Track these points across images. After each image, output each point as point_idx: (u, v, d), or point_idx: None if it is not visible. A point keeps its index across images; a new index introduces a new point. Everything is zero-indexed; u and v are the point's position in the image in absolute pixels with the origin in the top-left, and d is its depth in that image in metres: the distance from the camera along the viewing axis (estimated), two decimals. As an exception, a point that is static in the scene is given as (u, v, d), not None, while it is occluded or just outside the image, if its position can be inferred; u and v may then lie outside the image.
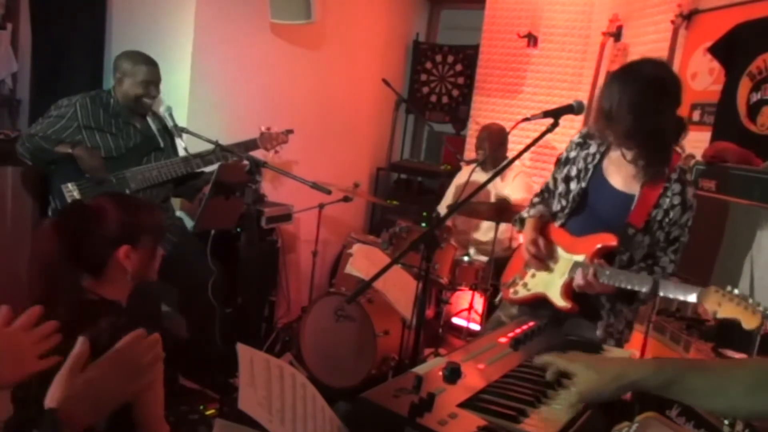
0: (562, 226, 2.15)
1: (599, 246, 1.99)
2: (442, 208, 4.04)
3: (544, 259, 2.12)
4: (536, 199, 2.30)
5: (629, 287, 1.88)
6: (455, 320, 4.20)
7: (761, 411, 1.04)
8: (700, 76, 3.03)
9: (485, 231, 3.88)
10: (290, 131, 3.41)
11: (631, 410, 1.56)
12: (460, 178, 4.10)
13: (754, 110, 2.65)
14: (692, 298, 1.72)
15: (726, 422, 1.84)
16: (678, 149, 2.04)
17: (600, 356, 1.58)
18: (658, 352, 2.59)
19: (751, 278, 2.63)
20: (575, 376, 1.17)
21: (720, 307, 1.64)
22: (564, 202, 2.16)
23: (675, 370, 1.08)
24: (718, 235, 2.81)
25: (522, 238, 2.27)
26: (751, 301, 1.61)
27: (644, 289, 1.84)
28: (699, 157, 2.70)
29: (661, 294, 1.86)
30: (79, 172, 2.73)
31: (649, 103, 1.87)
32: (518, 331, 1.70)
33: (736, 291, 1.64)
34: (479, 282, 3.58)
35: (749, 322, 1.59)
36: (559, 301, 2.05)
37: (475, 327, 3.76)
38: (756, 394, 1.02)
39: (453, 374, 1.26)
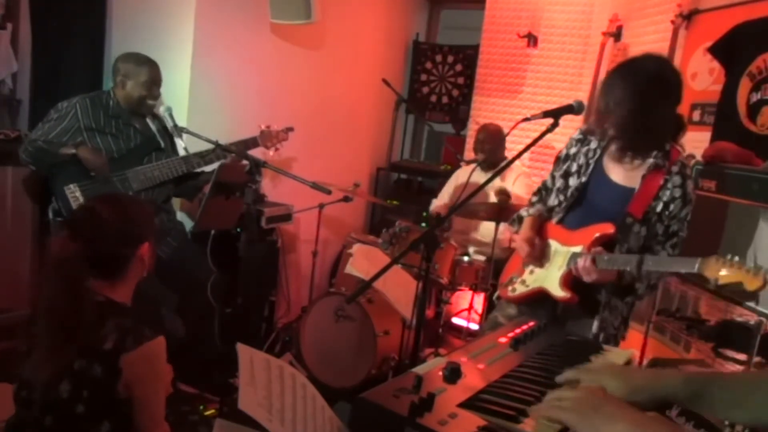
0: (560, 221, 2.16)
1: (597, 235, 1.99)
2: (436, 205, 4.04)
3: (538, 257, 2.13)
4: (534, 198, 2.30)
5: (627, 269, 1.88)
6: (455, 320, 4.20)
7: None
8: (700, 76, 3.03)
9: (483, 231, 3.87)
10: (290, 129, 3.41)
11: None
12: (459, 178, 4.10)
13: (754, 110, 2.65)
14: (693, 268, 1.71)
15: (726, 422, 1.84)
16: (678, 147, 2.04)
17: (627, 367, 1.55)
18: (658, 352, 2.59)
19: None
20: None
21: (720, 273, 1.64)
22: (562, 197, 2.16)
23: (700, 383, 1.06)
24: (718, 235, 2.81)
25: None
26: (751, 264, 1.62)
27: (643, 267, 1.83)
28: (699, 157, 2.70)
29: (661, 270, 1.86)
30: (81, 174, 2.73)
31: (649, 98, 1.87)
32: (518, 331, 1.70)
33: (736, 258, 1.64)
34: (479, 282, 3.58)
35: (751, 284, 1.59)
36: (558, 292, 2.05)
37: (475, 327, 3.76)
38: None
39: (453, 374, 1.26)
